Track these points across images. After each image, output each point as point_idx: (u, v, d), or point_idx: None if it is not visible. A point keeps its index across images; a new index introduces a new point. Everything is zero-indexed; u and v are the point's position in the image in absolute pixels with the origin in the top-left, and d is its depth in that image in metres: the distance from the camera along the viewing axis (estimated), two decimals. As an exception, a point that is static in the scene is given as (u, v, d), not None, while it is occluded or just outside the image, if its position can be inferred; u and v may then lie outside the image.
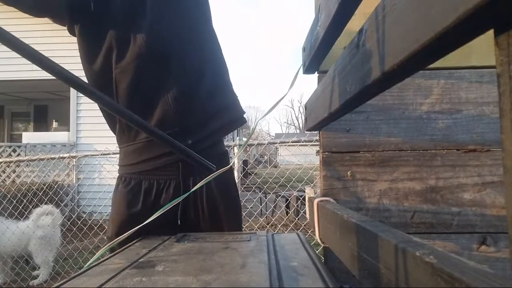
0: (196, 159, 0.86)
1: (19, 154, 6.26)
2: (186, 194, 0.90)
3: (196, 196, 0.98)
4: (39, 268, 3.51)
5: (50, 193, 4.30)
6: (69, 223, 4.02)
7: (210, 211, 0.98)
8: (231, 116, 1.04)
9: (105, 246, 0.81)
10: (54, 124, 8.29)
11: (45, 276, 3.42)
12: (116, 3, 0.92)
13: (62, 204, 4.41)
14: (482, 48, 0.91)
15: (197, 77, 0.96)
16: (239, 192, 2.93)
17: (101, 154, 3.59)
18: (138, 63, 0.91)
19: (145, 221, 0.87)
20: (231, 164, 1.04)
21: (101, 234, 3.76)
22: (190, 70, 0.95)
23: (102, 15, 0.92)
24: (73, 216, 4.71)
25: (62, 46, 6.31)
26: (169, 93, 0.93)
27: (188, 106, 0.95)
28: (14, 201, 4.25)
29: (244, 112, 1.10)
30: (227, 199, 1.02)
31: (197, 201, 0.99)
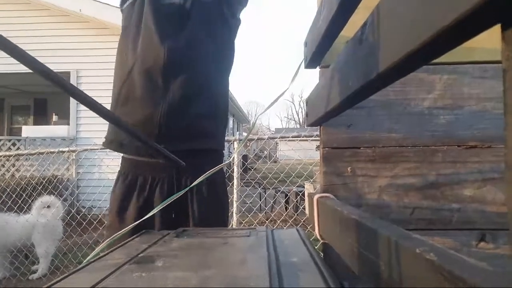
0: (166, 155, 0.93)
1: (18, 148, 6.25)
2: (187, 189, 0.96)
3: (187, 198, 1.04)
4: (38, 262, 3.52)
5: (50, 187, 4.31)
6: (68, 217, 4.03)
7: (199, 215, 1.05)
8: (207, 145, 1.10)
9: (104, 242, 0.81)
10: (54, 118, 8.27)
11: (44, 270, 3.44)
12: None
13: (61, 199, 4.42)
14: (485, 43, 0.90)
15: (194, 97, 1.06)
16: (239, 187, 2.93)
17: (100, 149, 3.59)
18: (152, 66, 1.03)
19: (137, 215, 0.97)
20: (229, 160, 1.10)
21: (101, 228, 3.77)
22: (190, 89, 1.04)
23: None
24: (73, 211, 4.72)
25: (55, 39, 6.30)
26: (165, 100, 1.03)
27: (175, 119, 1.03)
28: (14, 195, 4.25)
29: (223, 148, 1.21)
30: (216, 206, 1.10)
31: (187, 203, 1.05)
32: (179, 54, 1.04)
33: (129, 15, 1.10)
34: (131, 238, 0.81)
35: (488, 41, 0.88)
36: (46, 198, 3.61)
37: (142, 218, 0.88)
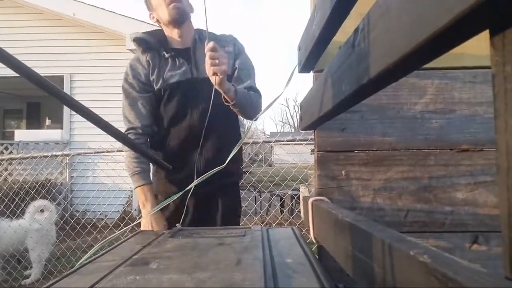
0: (153, 160, 1.15)
1: (11, 152, 6.18)
2: (182, 192, 1.06)
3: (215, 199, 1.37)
4: (31, 267, 3.47)
5: (43, 191, 4.26)
6: (62, 221, 3.99)
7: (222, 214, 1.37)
8: (232, 179, 1.45)
9: (98, 245, 0.81)
10: (47, 122, 8.19)
11: (37, 275, 3.39)
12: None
13: (55, 203, 4.38)
14: (475, 49, 0.92)
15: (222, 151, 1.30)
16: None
17: (94, 152, 3.56)
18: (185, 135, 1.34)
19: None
20: (224, 164, 1.23)
21: (95, 233, 3.74)
22: (217, 147, 1.34)
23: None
24: (66, 215, 4.66)
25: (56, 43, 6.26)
26: (201, 156, 1.33)
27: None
28: (6, 200, 4.20)
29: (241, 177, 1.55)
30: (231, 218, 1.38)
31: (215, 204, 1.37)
32: (203, 124, 1.26)
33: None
34: (126, 238, 0.81)
35: (478, 46, 0.89)
36: (39, 202, 3.57)
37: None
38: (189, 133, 1.32)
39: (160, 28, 1.41)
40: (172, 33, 1.37)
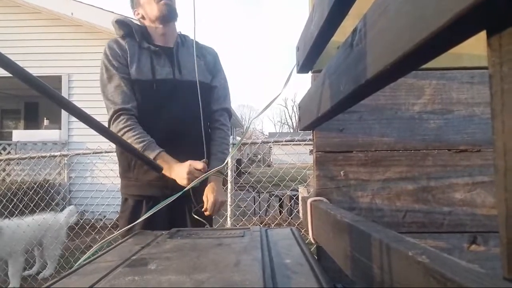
0: (146, 160, 1.13)
1: (9, 152, 6.16)
2: (178, 194, 1.05)
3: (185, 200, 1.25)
4: (33, 265, 3.50)
5: (41, 192, 4.25)
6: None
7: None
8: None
9: (96, 246, 0.81)
10: (45, 122, 8.16)
11: (51, 270, 3.45)
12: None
13: (53, 203, 4.36)
14: (473, 49, 0.92)
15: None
16: (233, 191, 2.93)
17: (93, 153, 3.55)
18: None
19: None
20: (223, 164, 1.24)
21: (93, 233, 3.73)
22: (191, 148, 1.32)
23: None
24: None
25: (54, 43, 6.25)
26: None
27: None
28: (4, 200, 4.19)
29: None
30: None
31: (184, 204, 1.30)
32: (181, 125, 1.32)
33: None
34: (125, 238, 0.81)
35: (475, 47, 0.90)
36: (72, 208, 3.79)
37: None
38: (165, 133, 1.31)
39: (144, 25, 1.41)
40: (156, 31, 1.37)
